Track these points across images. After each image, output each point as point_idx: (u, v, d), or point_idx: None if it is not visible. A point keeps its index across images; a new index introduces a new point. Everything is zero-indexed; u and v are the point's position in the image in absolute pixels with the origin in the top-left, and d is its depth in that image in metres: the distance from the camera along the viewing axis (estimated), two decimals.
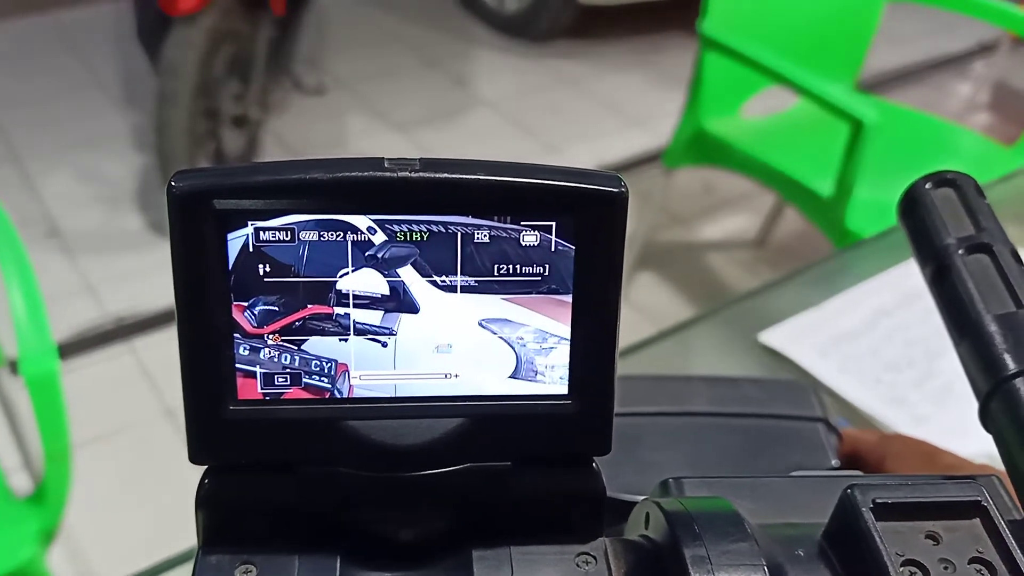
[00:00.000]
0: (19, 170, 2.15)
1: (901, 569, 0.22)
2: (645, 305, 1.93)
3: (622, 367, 0.26)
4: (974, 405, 0.27)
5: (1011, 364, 0.25)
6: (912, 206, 0.30)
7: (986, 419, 0.26)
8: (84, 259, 1.93)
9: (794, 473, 0.32)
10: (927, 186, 0.30)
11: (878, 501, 0.24)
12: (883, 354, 0.77)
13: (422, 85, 2.64)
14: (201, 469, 0.26)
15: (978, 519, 0.24)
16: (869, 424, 0.71)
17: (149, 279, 1.85)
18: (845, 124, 1.43)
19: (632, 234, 1.90)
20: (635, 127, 2.52)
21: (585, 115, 2.59)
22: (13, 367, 1.27)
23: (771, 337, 0.77)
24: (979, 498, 0.24)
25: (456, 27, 2.92)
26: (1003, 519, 0.24)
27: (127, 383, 1.67)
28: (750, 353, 0.76)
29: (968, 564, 0.23)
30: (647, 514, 0.26)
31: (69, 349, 1.69)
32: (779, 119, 1.79)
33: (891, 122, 1.66)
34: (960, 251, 0.28)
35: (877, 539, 0.23)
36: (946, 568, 0.23)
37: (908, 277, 0.83)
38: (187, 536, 0.53)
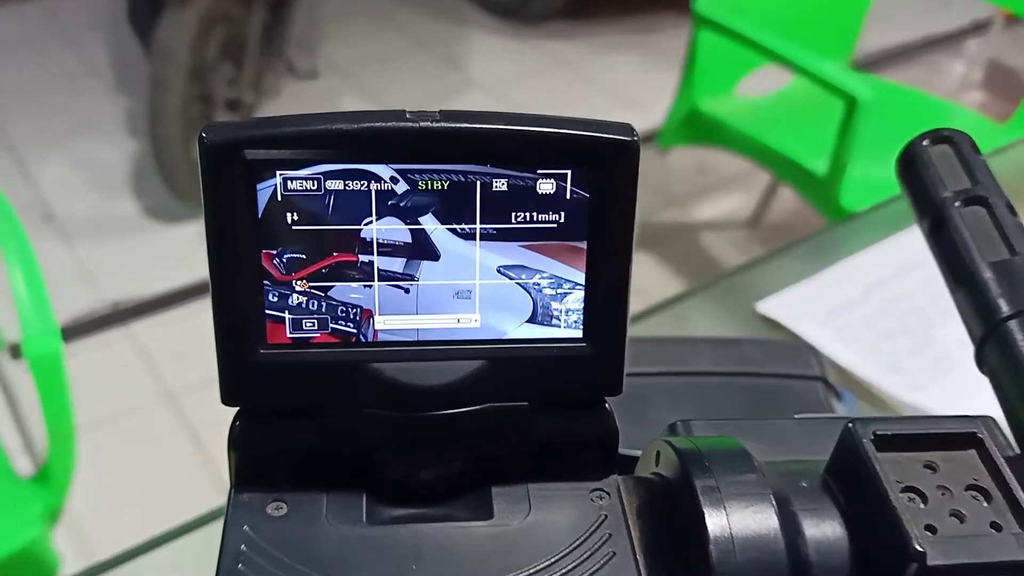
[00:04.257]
0: (14, 157, 2.15)
1: (900, 495, 0.24)
2: (640, 285, 1.91)
3: None
4: (970, 374, 0.28)
5: (1005, 308, 0.27)
6: (910, 162, 0.31)
7: (981, 361, 0.27)
8: (80, 245, 1.93)
9: (797, 416, 0.33)
10: (924, 143, 0.31)
11: (878, 433, 0.25)
12: (879, 324, 0.78)
13: (416, 68, 2.64)
14: (226, 422, 0.27)
15: (974, 450, 0.25)
16: (868, 392, 0.72)
17: (145, 264, 1.85)
18: (839, 102, 1.44)
19: None
20: (630, 108, 2.52)
21: (579, 96, 2.59)
22: (13, 351, 1.27)
23: (769, 307, 0.78)
24: (975, 431, 0.25)
25: (449, 9, 2.92)
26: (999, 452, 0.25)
27: (125, 368, 1.68)
28: (747, 323, 0.77)
29: (964, 491, 0.24)
30: (658, 452, 0.27)
31: (66, 334, 1.68)
32: (773, 98, 1.79)
33: (885, 100, 1.67)
34: (957, 203, 0.29)
35: (877, 467, 0.24)
36: (943, 495, 0.24)
37: (903, 248, 0.84)
38: (187, 515, 0.54)
